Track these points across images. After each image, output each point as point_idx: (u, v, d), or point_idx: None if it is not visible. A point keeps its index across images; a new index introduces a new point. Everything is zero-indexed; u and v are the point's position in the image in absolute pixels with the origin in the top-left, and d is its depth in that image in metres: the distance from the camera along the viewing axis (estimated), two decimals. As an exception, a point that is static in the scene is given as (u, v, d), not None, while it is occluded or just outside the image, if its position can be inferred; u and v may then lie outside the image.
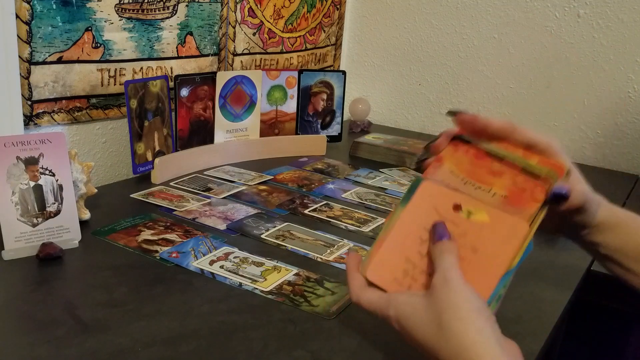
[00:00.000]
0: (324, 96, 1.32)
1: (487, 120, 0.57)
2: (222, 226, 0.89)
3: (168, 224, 0.88)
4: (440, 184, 0.56)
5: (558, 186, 0.55)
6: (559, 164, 0.54)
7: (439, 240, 0.52)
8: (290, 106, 1.29)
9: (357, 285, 0.54)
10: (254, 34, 1.34)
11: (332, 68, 1.66)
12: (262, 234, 0.87)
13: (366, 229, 0.93)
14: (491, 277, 0.51)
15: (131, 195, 0.98)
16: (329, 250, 0.83)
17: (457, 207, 0.55)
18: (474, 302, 0.48)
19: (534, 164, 0.55)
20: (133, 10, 1.06)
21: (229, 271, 0.75)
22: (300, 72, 1.28)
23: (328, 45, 1.62)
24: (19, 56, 0.90)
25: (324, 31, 1.58)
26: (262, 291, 0.71)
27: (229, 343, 0.60)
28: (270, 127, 1.27)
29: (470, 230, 0.53)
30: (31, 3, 0.90)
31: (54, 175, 0.79)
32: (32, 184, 0.77)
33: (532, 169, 0.55)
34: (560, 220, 0.61)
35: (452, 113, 0.59)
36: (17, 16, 0.88)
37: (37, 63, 0.94)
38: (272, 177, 1.14)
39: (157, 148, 1.07)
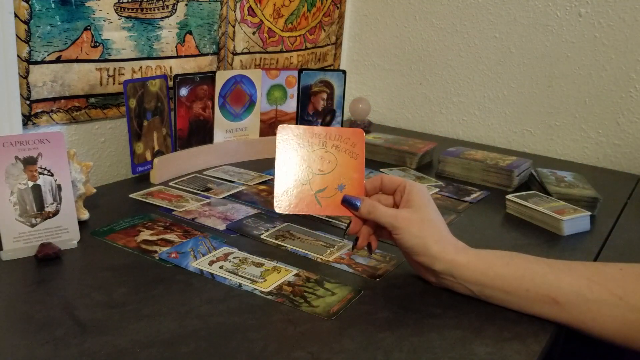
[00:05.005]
0: (324, 95, 1.31)
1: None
2: (221, 226, 0.89)
3: (167, 224, 0.88)
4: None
5: (353, 197, 0.74)
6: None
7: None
8: (290, 106, 1.28)
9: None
10: (253, 33, 1.34)
11: (332, 67, 1.66)
12: (262, 234, 0.87)
13: (366, 229, 0.92)
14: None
15: (130, 196, 0.98)
16: (329, 251, 0.83)
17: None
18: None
19: None
20: (132, 9, 1.05)
21: (229, 272, 0.74)
22: (300, 71, 1.27)
23: (328, 45, 1.62)
24: (18, 55, 0.90)
25: (324, 30, 1.58)
26: (261, 292, 0.70)
27: (228, 344, 0.60)
28: (270, 126, 1.26)
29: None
30: (30, 2, 0.90)
31: (52, 175, 0.78)
32: (30, 184, 0.77)
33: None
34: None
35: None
36: (15, 15, 0.88)
37: (36, 62, 0.93)
38: (272, 177, 1.13)
39: (156, 148, 1.07)
